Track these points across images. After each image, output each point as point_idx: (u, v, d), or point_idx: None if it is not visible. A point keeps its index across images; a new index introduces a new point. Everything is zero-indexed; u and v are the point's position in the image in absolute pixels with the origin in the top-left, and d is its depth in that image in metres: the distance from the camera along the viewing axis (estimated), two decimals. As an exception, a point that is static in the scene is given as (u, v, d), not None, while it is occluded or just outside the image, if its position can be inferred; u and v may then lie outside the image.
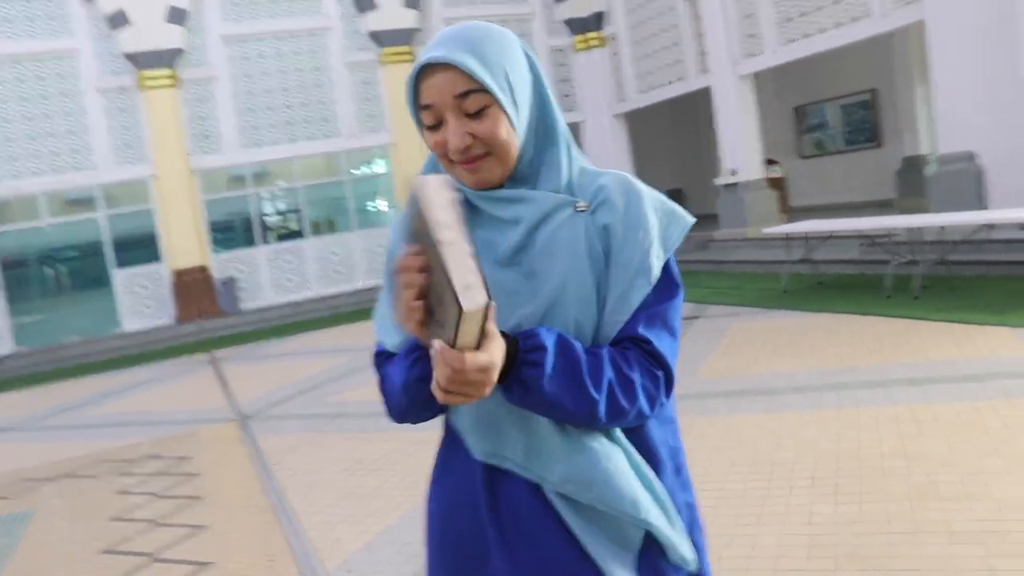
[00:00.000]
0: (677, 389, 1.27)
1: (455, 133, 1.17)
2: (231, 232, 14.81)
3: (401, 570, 3.49)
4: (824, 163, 16.70)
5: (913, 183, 13.44)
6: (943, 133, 9.71)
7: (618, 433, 1.23)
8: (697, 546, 1.29)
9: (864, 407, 4.66)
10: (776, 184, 14.77)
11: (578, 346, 1.15)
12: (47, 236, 13.65)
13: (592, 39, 16.39)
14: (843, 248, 10.05)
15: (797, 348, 6.39)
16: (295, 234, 15.18)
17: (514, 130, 1.20)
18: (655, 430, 1.27)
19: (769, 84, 15.76)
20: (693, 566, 1.26)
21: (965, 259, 8.27)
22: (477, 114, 1.17)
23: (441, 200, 1.01)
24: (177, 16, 13.63)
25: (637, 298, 1.20)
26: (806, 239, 9.58)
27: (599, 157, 15.66)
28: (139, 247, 13.84)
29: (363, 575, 3.51)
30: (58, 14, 13.29)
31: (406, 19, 14.98)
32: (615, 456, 1.21)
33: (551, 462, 1.19)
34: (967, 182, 9.20)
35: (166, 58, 13.59)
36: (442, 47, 1.16)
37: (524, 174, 1.25)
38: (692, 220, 1.29)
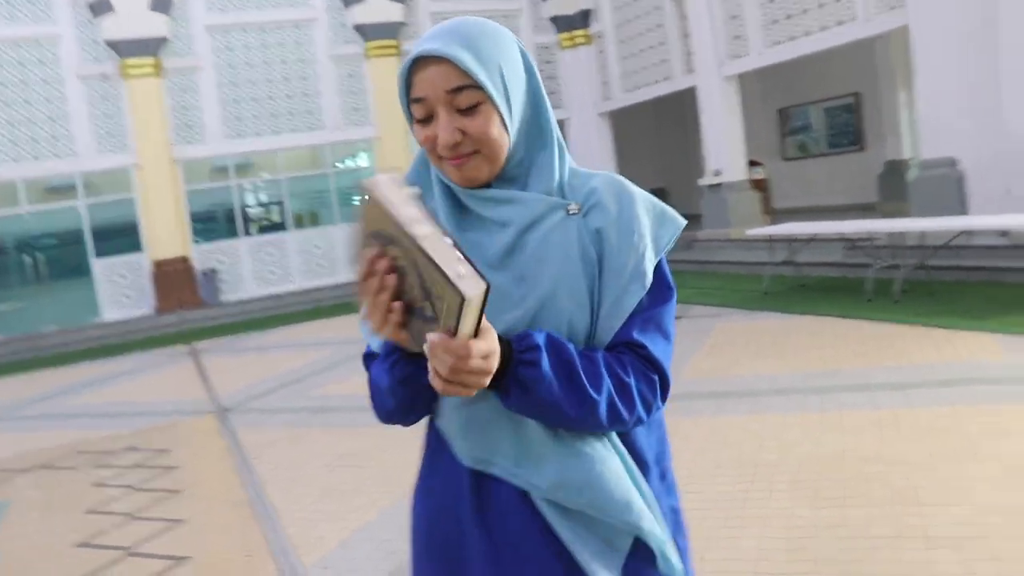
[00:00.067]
0: None
1: (445, 128, 1.15)
2: (213, 223, 14.71)
3: (379, 567, 3.48)
4: (807, 165, 16.79)
5: (895, 187, 13.53)
6: (925, 138, 9.79)
7: (613, 437, 1.22)
8: (680, 550, 1.28)
9: (846, 410, 4.68)
10: (759, 186, 14.83)
11: (571, 347, 1.14)
12: (26, 224, 13.50)
13: (578, 37, 16.39)
14: (825, 251, 10.11)
15: (780, 350, 6.42)
16: (277, 226, 15.10)
17: (505, 129, 1.18)
18: (641, 434, 1.27)
19: (754, 85, 15.81)
20: (679, 573, 1.26)
21: (945, 264, 8.34)
22: (469, 110, 1.14)
23: (400, 197, 0.99)
24: (161, 4, 13.50)
25: (631, 303, 1.19)
26: (789, 241, 9.63)
27: (583, 155, 15.67)
28: (120, 236, 13.71)
29: (340, 572, 3.49)
30: (40, -1, 13.15)
31: (392, 13, 14.91)
32: (609, 460, 1.20)
33: (543, 466, 1.17)
34: (948, 187, 9.28)
35: (150, 46, 13.45)
36: (437, 40, 1.14)
37: (513, 174, 1.23)
38: (684, 222, 1.27)
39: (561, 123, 16.40)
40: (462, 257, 0.95)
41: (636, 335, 1.19)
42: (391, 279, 1.01)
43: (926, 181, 9.62)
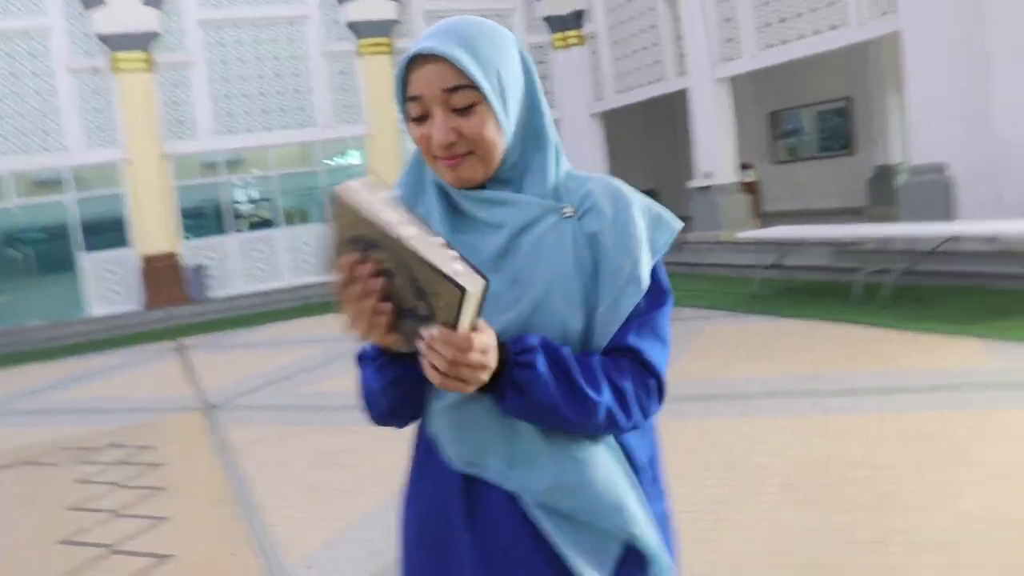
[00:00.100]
0: None
1: (440, 128, 1.14)
2: (202, 219, 14.65)
3: (362, 567, 3.46)
4: (797, 169, 16.85)
5: (884, 191, 13.59)
6: (915, 144, 9.83)
7: (609, 440, 1.22)
8: (670, 554, 1.28)
9: (834, 414, 4.69)
10: (750, 188, 14.86)
11: (567, 350, 1.14)
12: (14, 217, 13.41)
13: (571, 37, 16.39)
14: (814, 255, 10.12)
15: (769, 353, 6.43)
16: (267, 223, 15.05)
17: (501, 130, 1.17)
18: (634, 437, 1.26)
19: (746, 88, 15.85)
20: (670, 577, 1.25)
21: (933, 269, 8.37)
22: (465, 110, 1.14)
23: (378, 201, 0.98)
24: (153, -1, 13.45)
25: (628, 306, 1.18)
26: (779, 245, 9.65)
27: (575, 156, 15.65)
28: (108, 231, 13.62)
29: (324, 572, 3.47)
30: (31, -9, 13.06)
31: (386, 10, 14.88)
32: (603, 463, 1.19)
33: (537, 470, 1.17)
34: (937, 193, 9.32)
35: (141, 41, 13.38)
36: (436, 39, 1.13)
37: (508, 176, 1.22)
38: (680, 225, 1.27)
39: (554, 123, 16.37)
40: (456, 255, 0.96)
41: (632, 339, 1.19)
42: (376, 282, 1.00)
43: (915, 186, 9.66)
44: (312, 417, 6.16)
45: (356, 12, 14.70)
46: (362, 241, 0.99)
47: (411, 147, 1.24)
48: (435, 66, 1.12)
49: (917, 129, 9.70)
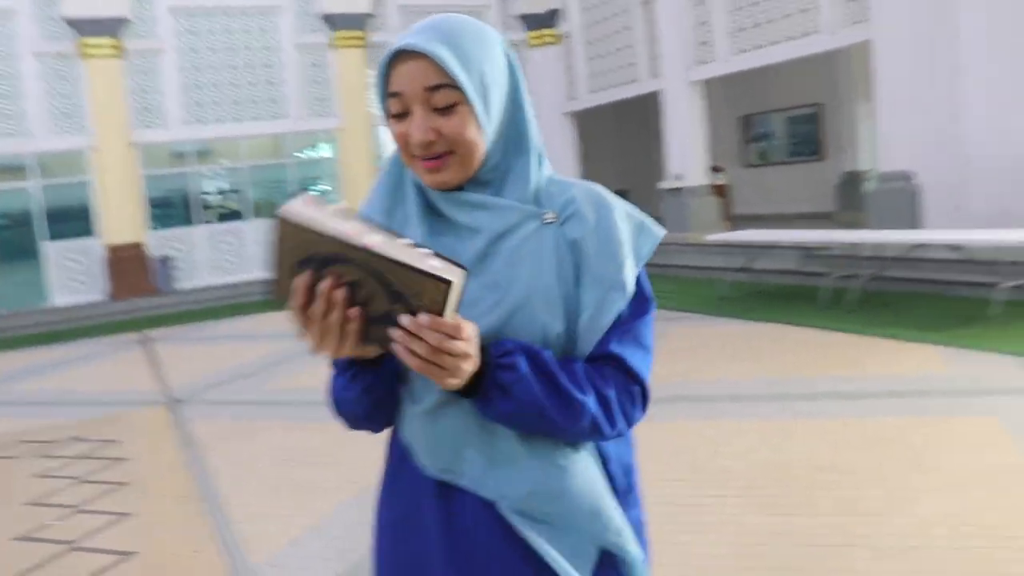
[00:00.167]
0: None
1: (419, 127, 1.11)
2: (170, 209, 14.46)
3: (329, 566, 3.44)
4: (767, 173, 17.00)
5: (852, 197, 13.76)
6: (883, 151, 9.97)
7: (589, 446, 1.22)
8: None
9: (800, 419, 4.74)
10: (720, 191, 14.96)
11: (547, 353, 1.13)
12: (-26, 203, 13.17)
13: (546, 36, 16.41)
14: (782, 259, 10.22)
15: (736, 356, 6.48)
16: (236, 215, 14.89)
17: (482, 132, 1.15)
18: (611, 445, 1.26)
19: (718, 92, 15.95)
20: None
21: (900, 276, 8.49)
22: (445, 110, 1.12)
23: (329, 215, 0.96)
24: (123, -16, 13.24)
25: (611, 314, 1.17)
26: (747, 248, 9.73)
27: (547, 155, 15.65)
28: (73, 220, 13.41)
29: (290, 570, 3.45)
30: (-4, -27, 12.80)
31: (360, 3, 14.77)
32: (582, 470, 1.19)
33: (514, 476, 1.16)
34: (903, 201, 9.47)
35: (110, 26, 13.17)
36: (420, 35, 1.11)
37: (487, 178, 1.20)
38: (663, 232, 1.26)
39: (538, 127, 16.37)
40: (429, 251, 0.95)
41: (615, 347, 1.18)
42: (339, 294, 0.98)
43: (883, 193, 9.81)
44: (279, 413, 6.10)
45: (331, 4, 14.58)
46: (316, 259, 0.97)
47: (384, 141, 1.22)
48: (417, 63, 1.10)
49: (885, 137, 9.85)
